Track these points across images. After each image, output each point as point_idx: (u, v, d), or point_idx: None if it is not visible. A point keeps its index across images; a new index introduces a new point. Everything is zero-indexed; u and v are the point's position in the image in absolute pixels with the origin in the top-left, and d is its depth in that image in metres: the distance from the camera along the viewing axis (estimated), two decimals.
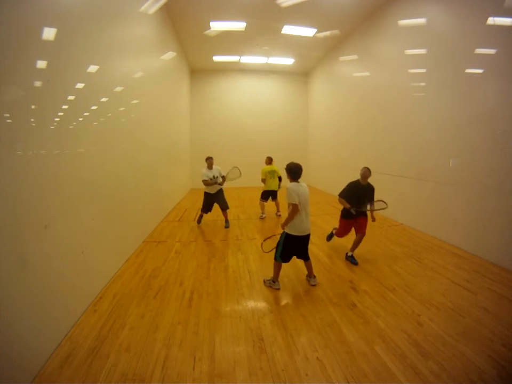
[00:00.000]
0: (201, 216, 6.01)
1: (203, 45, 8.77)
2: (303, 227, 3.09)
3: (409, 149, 5.70)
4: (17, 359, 1.85)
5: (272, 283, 3.27)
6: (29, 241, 2.03)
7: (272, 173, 6.41)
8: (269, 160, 6.55)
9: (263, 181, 6.43)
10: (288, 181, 3.21)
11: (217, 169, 5.66)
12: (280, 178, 6.47)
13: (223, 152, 11.54)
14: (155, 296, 3.07)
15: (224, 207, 5.85)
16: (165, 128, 7.06)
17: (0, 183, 1.79)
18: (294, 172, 3.10)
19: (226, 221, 5.92)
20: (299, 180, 3.14)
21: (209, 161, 5.59)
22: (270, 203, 6.68)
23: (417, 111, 5.47)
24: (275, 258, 3.23)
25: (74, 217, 2.67)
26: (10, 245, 1.86)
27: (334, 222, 6.21)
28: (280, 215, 6.64)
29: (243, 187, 10.95)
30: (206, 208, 5.79)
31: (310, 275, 3.38)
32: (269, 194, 6.50)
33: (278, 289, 3.23)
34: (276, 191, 6.50)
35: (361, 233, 3.95)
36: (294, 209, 2.98)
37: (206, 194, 5.75)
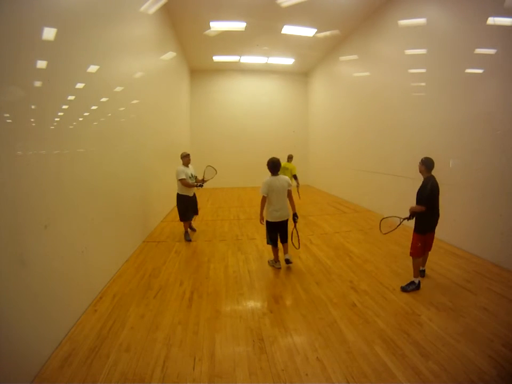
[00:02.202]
0: (187, 231, 5.08)
1: (203, 44, 8.77)
2: (276, 214, 3.61)
3: (409, 149, 5.69)
4: (18, 359, 1.85)
5: (274, 263, 3.83)
6: (29, 241, 2.03)
7: (283, 169, 6.26)
8: (288, 158, 6.90)
9: None
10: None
11: (192, 168, 5.10)
12: (295, 177, 6.75)
13: (223, 152, 11.57)
14: (155, 296, 3.07)
15: (196, 212, 5.35)
16: (165, 128, 7.06)
17: (0, 183, 1.79)
18: (270, 167, 3.60)
19: (192, 227, 5.36)
20: (278, 173, 3.62)
21: (187, 159, 4.93)
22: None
23: (417, 111, 5.47)
24: (267, 243, 3.81)
25: (74, 217, 2.67)
26: (10, 245, 1.85)
27: (334, 222, 6.23)
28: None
29: (243, 187, 10.97)
30: (188, 214, 5.02)
31: (285, 252, 3.81)
32: None
33: (279, 268, 3.74)
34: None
35: (429, 249, 3.46)
36: (262, 200, 3.64)
37: (184, 198, 4.91)
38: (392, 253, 4.28)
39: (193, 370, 2.03)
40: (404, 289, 3.14)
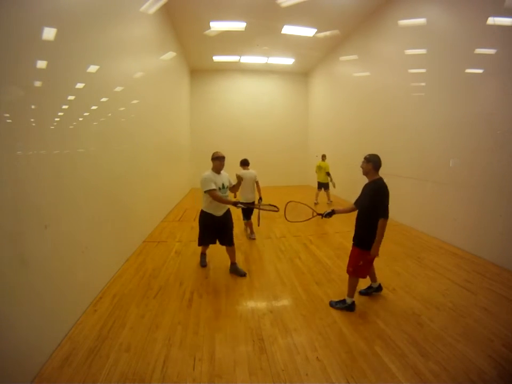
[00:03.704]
0: (203, 255, 3.93)
1: (203, 45, 8.77)
2: (248, 196, 4.90)
3: (409, 149, 5.70)
4: (18, 359, 1.85)
5: (250, 235, 5.20)
6: (29, 241, 2.03)
7: (319, 167, 7.98)
8: (323, 157, 8.08)
9: (316, 173, 8.20)
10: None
11: (227, 176, 3.61)
12: (328, 174, 7.90)
13: (223, 152, 11.57)
14: (155, 296, 3.07)
15: (229, 242, 3.61)
16: (165, 128, 7.06)
17: (0, 183, 1.79)
18: (241, 163, 5.09)
19: (234, 263, 3.71)
20: (248, 168, 5.08)
21: (218, 162, 3.50)
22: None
23: (417, 111, 5.47)
24: (243, 219, 5.20)
25: (74, 217, 2.67)
26: (11, 245, 1.85)
27: (334, 222, 6.21)
28: (330, 202, 8.08)
29: None
30: (205, 239, 3.64)
31: (251, 232, 5.20)
32: (320, 185, 8.04)
33: (254, 239, 5.05)
34: (325, 183, 7.97)
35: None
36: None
37: (206, 216, 3.49)
38: (392, 253, 4.27)
39: (193, 370, 2.03)
40: (331, 304, 2.83)
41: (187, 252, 4.47)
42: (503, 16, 3.70)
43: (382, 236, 2.55)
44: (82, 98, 2.86)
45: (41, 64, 2.24)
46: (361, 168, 2.73)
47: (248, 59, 10.32)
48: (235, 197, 4.45)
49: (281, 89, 12.29)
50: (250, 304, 2.96)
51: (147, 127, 5.40)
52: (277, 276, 3.59)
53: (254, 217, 5.11)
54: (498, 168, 3.84)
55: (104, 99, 3.43)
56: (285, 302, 3.01)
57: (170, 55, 7.33)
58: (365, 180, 2.78)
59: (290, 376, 1.98)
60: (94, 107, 3.16)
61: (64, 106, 2.58)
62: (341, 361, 2.10)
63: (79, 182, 2.77)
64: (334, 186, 8.13)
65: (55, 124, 2.43)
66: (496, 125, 3.86)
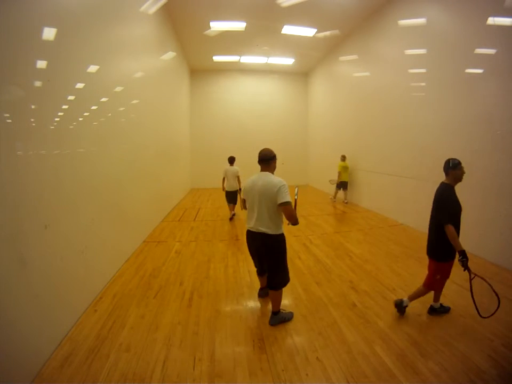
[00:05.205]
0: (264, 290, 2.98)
1: (203, 45, 8.77)
2: (228, 185, 6.12)
3: (409, 149, 5.70)
4: (18, 359, 1.85)
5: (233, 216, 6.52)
6: (29, 241, 2.03)
7: (345, 168, 8.02)
8: (343, 158, 8.15)
9: (339, 173, 8.11)
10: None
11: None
12: None
13: (223, 152, 11.55)
14: (155, 296, 3.07)
15: None
16: (165, 128, 7.06)
17: (0, 183, 1.79)
18: (229, 160, 6.23)
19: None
20: (233, 164, 6.22)
21: (271, 164, 2.76)
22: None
23: (417, 111, 5.47)
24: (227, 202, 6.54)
25: (74, 217, 2.67)
26: (11, 245, 1.86)
27: (334, 222, 6.23)
28: (346, 202, 8.14)
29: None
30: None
31: (232, 211, 6.41)
32: (341, 184, 8.09)
33: (234, 214, 6.35)
34: (347, 182, 8.08)
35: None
36: (223, 180, 6.36)
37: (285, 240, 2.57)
38: (393, 253, 4.28)
39: (193, 370, 2.03)
40: (433, 311, 2.71)
41: (187, 251, 4.47)
42: (503, 16, 3.70)
43: (453, 242, 2.56)
44: (82, 98, 2.86)
45: (41, 64, 2.24)
46: None
47: (248, 59, 10.32)
48: (223, 189, 6.33)
49: (281, 89, 12.28)
50: (250, 304, 2.96)
51: (147, 127, 5.41)
52: None
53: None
54: (498, 168, 3.84)
55: (104, 99, 3.43)
56: (285, 302, 3.00)
57: (170, 55, 7.33)
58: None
59: (290, 376, 1.98)
60: (93, 107, 3.16)
61: (64, 106, 2.58)
62: (341, 361, 2.10)
63: (79, 182, 2.77)
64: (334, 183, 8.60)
65: (55, 124, 2.43)
66: (496, 125, 3.86)
